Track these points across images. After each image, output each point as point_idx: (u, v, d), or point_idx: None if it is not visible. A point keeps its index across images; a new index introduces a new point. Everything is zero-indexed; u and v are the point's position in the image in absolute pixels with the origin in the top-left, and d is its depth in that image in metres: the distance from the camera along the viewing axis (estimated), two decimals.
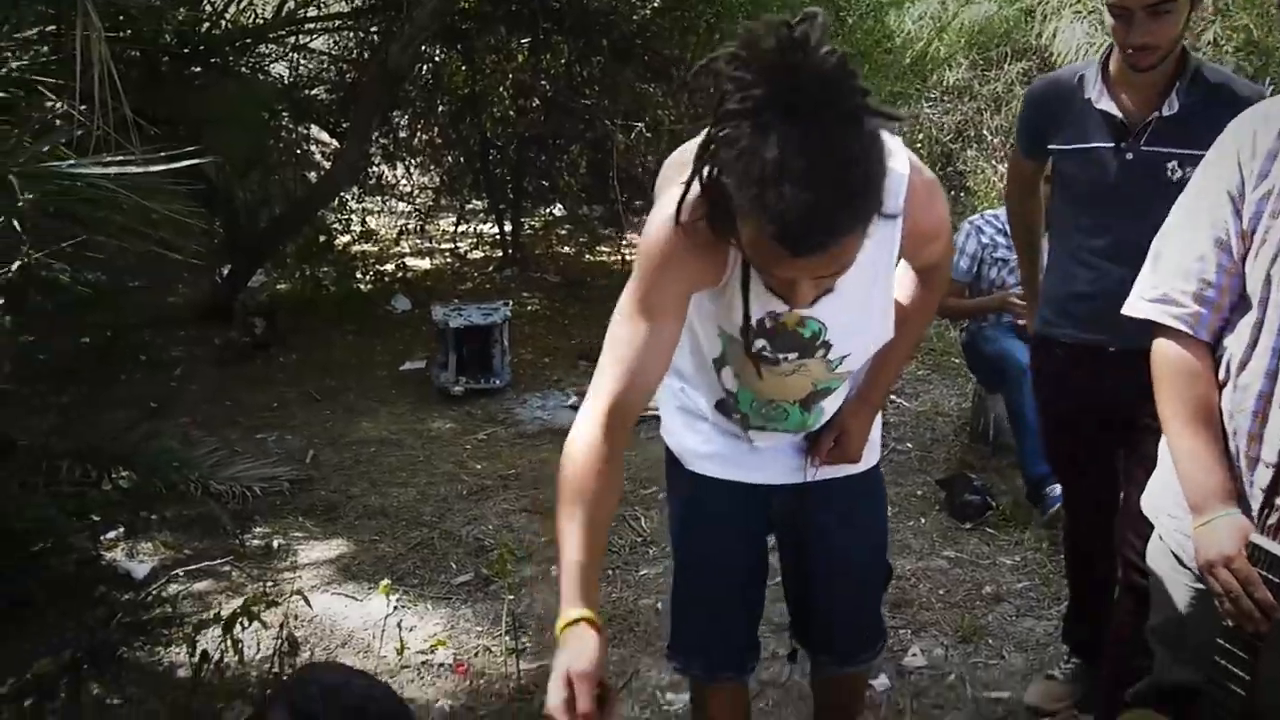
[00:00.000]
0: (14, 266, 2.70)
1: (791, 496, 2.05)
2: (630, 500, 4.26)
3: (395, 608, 3.45)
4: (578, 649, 1.37)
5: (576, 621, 1.40)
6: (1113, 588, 2.48)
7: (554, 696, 1.34)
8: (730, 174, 1.35)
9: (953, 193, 8.13)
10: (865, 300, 1.76)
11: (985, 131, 8.55)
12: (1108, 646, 2.40)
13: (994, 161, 8.15)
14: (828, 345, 1.79)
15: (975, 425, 4.66)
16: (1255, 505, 1.64)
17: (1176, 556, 1.82)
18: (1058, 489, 3.43)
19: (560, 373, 6.03)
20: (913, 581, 3.56)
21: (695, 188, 1.50)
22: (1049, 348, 2.62)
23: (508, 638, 3.23)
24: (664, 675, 3.08)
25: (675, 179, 1.59)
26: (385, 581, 3.34)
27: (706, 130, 1.43)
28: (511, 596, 3.33)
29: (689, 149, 1.56)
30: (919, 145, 8.33)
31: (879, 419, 2.12)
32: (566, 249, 8.67)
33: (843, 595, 2.15)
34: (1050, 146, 2.50)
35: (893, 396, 5.23)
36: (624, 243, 8.27)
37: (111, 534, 4.06)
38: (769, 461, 2.02)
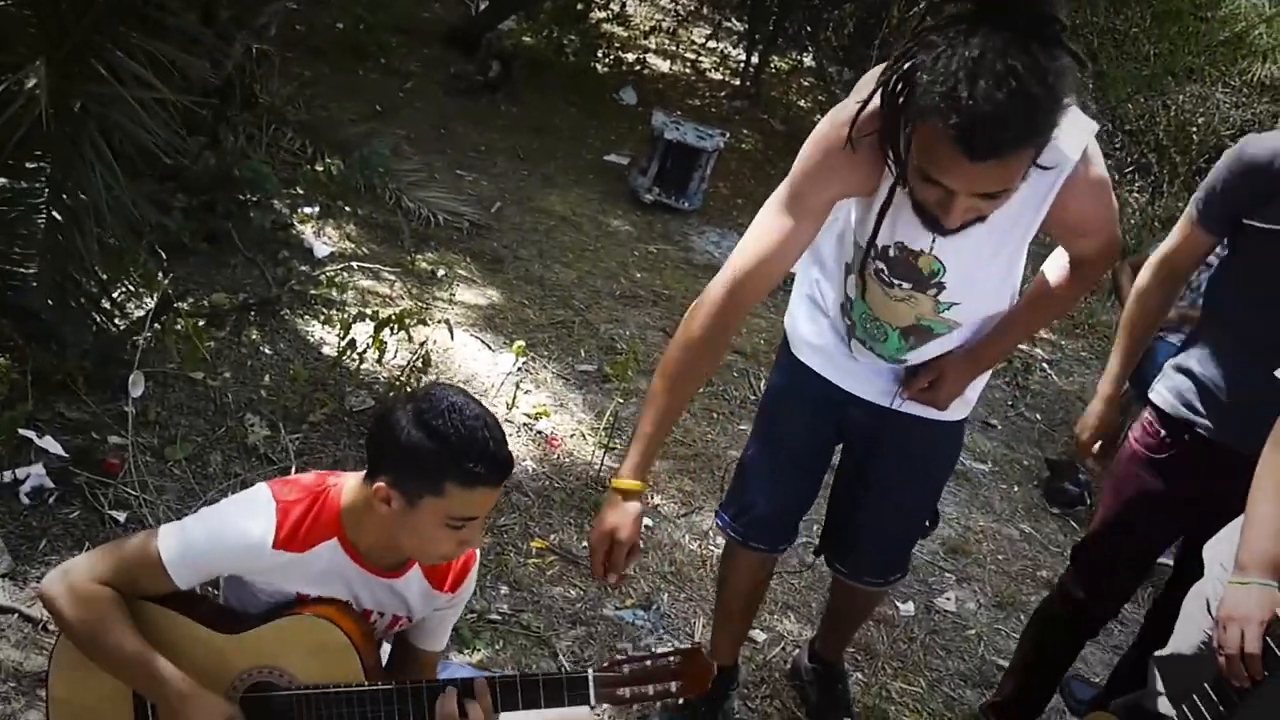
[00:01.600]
0: None
1: (872, 416, 2.18)
2: (759, 360, 4.44)
3: (520, 369, 3.77)
4: (623, 517, 1.78)
5: (629, 490, 1.78)
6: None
7: (596, 543, 1.79)
8: (924, 71, 1.49)
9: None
10: (990, 258, 1.85)
11: None
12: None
13: None
14: (941, 286, 1.88)
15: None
16: None
17: (1209, 604, 1.92)
18: None
19: (747, 218, 6.07)
20: (979, 538, 3.69)
21: (877, 100, 1.62)
22: (1179, 430, 2.19)
23: (604, 433, 3.53)
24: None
25: (859, 94, 1.71)
26: (520, 343, 3.66)
27: (904, 45, 1.56)
28: (621, 400, 3.61)
29: (866, 77, 1.71)
30: (1193, 130, 7.82)
31: (981, 381, 2.20)
32: (802, 102, 8.58)
33: (878, 526, 2.30)
34: (1248, 222, 2.04)
35: (1045, 367, 5.20)
36: None
37: (308, 209, 4.47)
38: (865, 375, 2.15)
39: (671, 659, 1.67)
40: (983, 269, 1.87)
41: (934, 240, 1.78)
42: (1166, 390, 2.22)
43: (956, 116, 1.43)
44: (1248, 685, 1.70)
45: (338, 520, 1.66)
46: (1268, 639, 1.69)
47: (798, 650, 2.85)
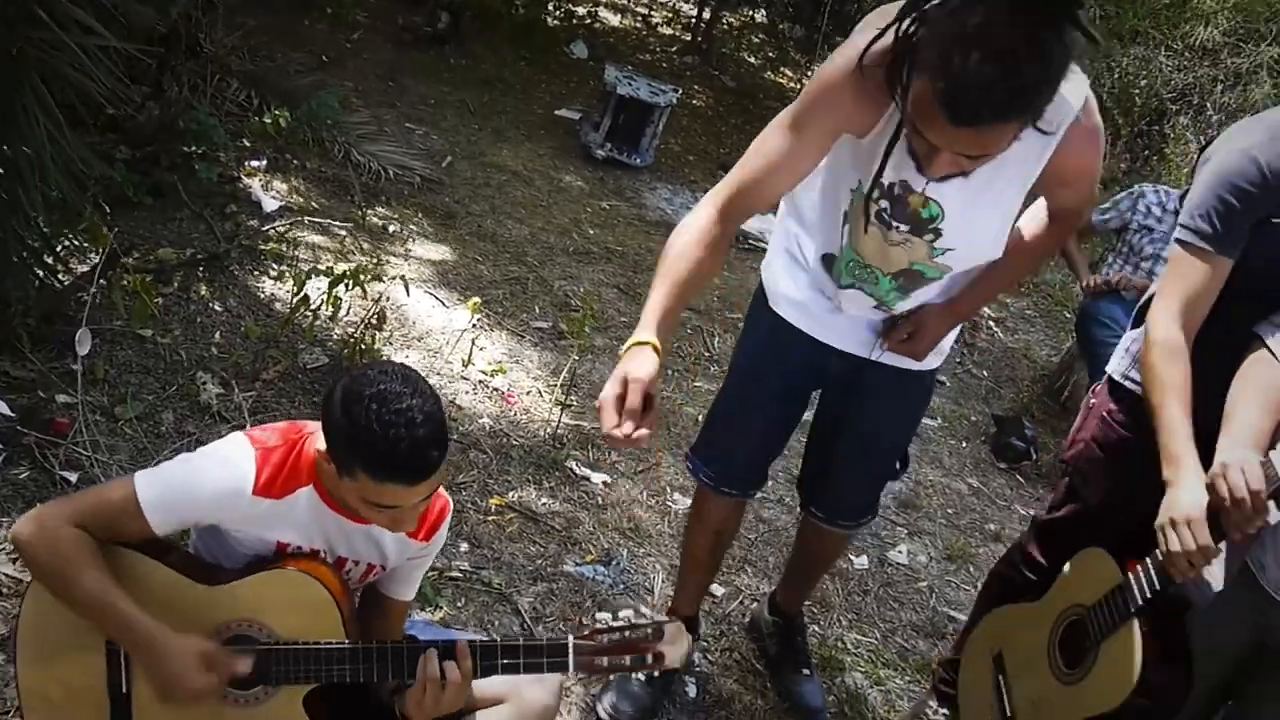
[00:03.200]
0: None
1: (850, 367, 2.22)
2: (713, 317, 4.46)
3: (474, 325, 3.75)
4: (638, 362, 1.59)
5: (644, 344, 1.63)
6: None
7: (608, 391, 1.56)
8: (930, 26, 1.50)
9: (1146, 153, 7.82)
10: (988, 205, 1.87)
11: (1209, 106, 8.09)
12: None
13: (1201, 140, 7.75)
14: (938, 232, 1.90)
15: (1053, 382, 4.73)
16: None
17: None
18: None
19: (698, 175, 6.13)
20: (929, 492, 3.76)
21: (889, 36, 1.62)
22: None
23: (560, 390, 3.52)
24: (678, 477, 3.37)
25: (874, 25, 1.70)
26: (475, 300, 3.63)
27: None
28: (577, 357, 3.60)
29: (873, 16, 1.70)
30: (1136, 92, 7.94)
31: (955, 332, 2.25)
32: (752, 58, 8.55)
33: (853, 470, 2.37)
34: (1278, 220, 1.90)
35: (991, 325, 5.29)
36: (808, 75, 8.14)
37: (255, 163, 4.37)
38: (844, 327, 2.18)
39: (649, 630, 1.69)
40: (979, 214, 1.88)
41: (927, 182, 1.79)
42: (1137, 374, 2.10)
43: (944, 81, 1.45)
44: (1259, 528, 1.75)
45: (313, 467, 1.65)
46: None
47: (755, 604, 2.89)
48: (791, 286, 2.19)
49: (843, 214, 2.00)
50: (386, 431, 1.50)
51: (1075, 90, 1.69)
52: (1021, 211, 1.99)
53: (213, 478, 1.62)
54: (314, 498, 1.67)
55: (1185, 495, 1.80)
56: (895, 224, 1.91)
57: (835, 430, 2.34)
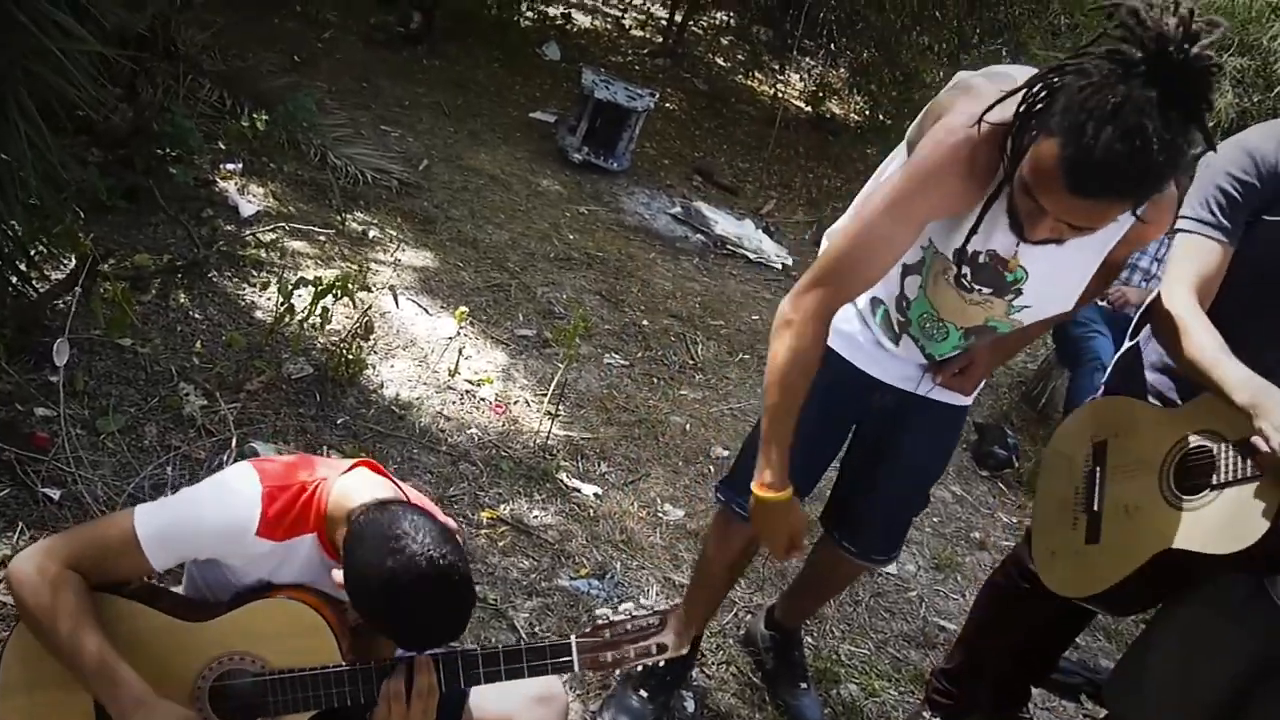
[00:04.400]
0: None
1: (892, 399, 2.19)
2: (695, 324, 4.45)
3: (460, 333, 3.70)
4: (797, 515, 1.96)
5: (789, 498, 1.91)
6: None
7: (785, 546, 1.99)
8: (1065, 95, 1.51)
9: None
10: (1070, 269, 1.88)
11: None
12: None
13: None
14: (1019, 292, 1.90)
15: (1032, 388, 4.77)
16: None
17: None
18: None
19: (674, 179, 6.12)
20: None
21: (1013, 101, 1.61)
22: None
23: (549, 403, 3.49)
24: (668, 488, 3.35)
25: (972, 92, 1.71)
26: (462, 309, 3.58)
27: (1060, 61, 1.57)
28: (564, 366, 3.57)
29: (997, 71, 1.72)
30: None
31: None
32: (723, 61, 8.55)
33: (893, 504, 2.34)
34: (1270, 218, 1.97)
35: None
36: (780, 79, 8.16)
37: (231, 166, 4.29)
38: (890, 361, 2.15)
39: (651, 620, 1.68)
40: (1062, 277, 1.89)
41: (1019, 245, 1.79)
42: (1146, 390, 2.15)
43: (1073, 150, 1.48)
44: None
45: (321, 517, 1.61)
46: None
47: (750, 616, 2.88)
48: (840, 317, 2.11)
49: (904, 266, 1.98)
50: (430, 631, 1.56)
51: None
52: None
53: (216, 515, 1.58)
54: (315, 547, 1.63)
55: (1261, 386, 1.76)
56: (977, 287, 1.91)
57: (875, 464, 2.29)
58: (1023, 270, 1.86)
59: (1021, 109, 1.60)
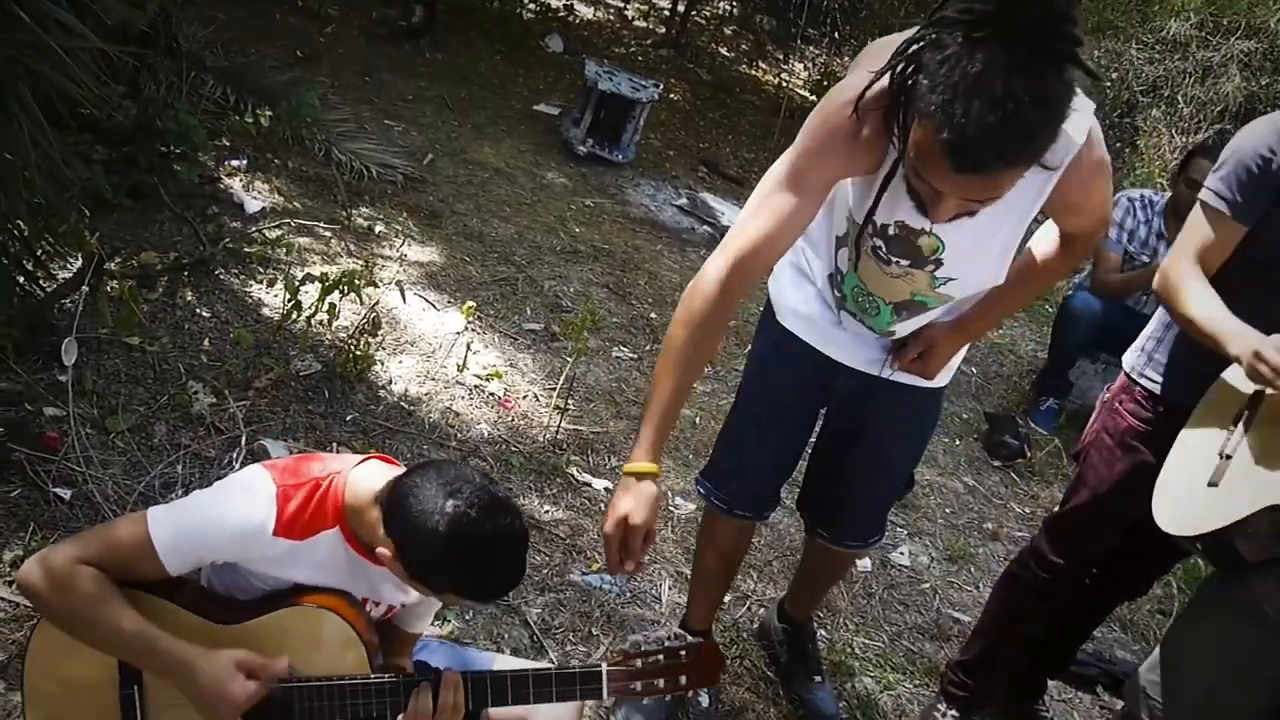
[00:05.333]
0: None
1: (859, 383, 2.18)
2: None
3: (468, 328, 3.69)
4: (639, 501, 1.66)
5: (645, 474, 1.68)
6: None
7: (610, 529, 1.67)
8: (927, 75, 1.44)
9: (1119, 145, 7.86)
10: (989, 235, 1.84)
11: (1180, 98, 8.16)
12: None
13: (1174, 132, 7.82)
14: (939, 263, 1.88)
15: (1042, 377, 4.74)
16: None
17: None
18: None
19: (679, 170, 6.09)
20: (926, 492, 3.75)
21: (885, 80, 1.58)
22: (1174, 407, 2.15)
23: (559, 395, 3.47)
24: (679, 481, 3.33)
25: (871, 64, 1.65)
26: (470, 304, 3.57)
27: (917, 29, 1.51)
28: (572, 360, 3.55)
29: (893, 40, 1.63)
30: (1107, 85, 7.99)
31: (964, 350, 2.22)
32: (727, 51, 8.52)
33: (862, 491, 2.32)
34: None
35: None
36: (784, 68, 8.13)
37: (235, 162, 4.27)
38: (852, 343, 2.14)
39: (683, 652, 1.67)
40: (982, 245, 1.86)
41: (932, 223, 1.75)
42: (1155, 373, 2.23)
43: (948, 131, 1.40)
44: None
45: (341, 513, 1.59)
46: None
47: (763, 610, 2.87)
48: (799, 299, 2.15)
49: (835, 239, 1.98)
50: (497, 577, 1.56)
51: (1079, 125, 1.67)
52: (1027, 237, 1.97)
53: (231, 518, 1.55)
54: (339, 541, 1.61)
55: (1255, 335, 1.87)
56: (893, 259, 1.88)
57: (841, 449, 2.28)
58: (939, 241, 1.83)
59: (893, 84, 1.55)
